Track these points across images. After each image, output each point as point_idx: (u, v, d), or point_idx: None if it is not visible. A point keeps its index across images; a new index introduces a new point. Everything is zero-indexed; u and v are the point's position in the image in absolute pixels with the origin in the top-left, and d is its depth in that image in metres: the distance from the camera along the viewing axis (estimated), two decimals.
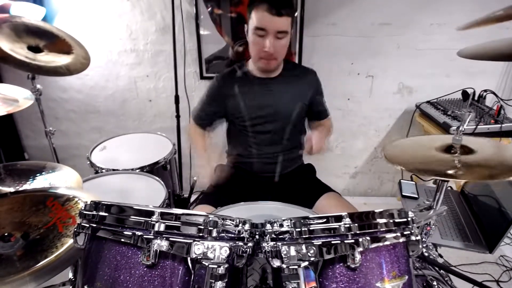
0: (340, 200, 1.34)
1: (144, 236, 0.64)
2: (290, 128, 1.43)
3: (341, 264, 0.66)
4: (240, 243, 0.70)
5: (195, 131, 1.49)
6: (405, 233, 0.69)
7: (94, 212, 0.69)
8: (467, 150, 1.04)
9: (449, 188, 1.78)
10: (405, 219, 0.70)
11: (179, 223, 0.66)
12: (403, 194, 1.65)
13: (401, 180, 1.73)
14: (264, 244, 0.71)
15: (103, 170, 1.54)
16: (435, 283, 1.11)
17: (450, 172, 0.94)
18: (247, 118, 1.38)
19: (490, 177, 0.95)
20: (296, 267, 0.65)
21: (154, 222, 0.65)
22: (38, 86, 1.59)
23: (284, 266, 0.66)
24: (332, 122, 1.59)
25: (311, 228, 0.67)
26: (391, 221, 0.69)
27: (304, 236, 0.67)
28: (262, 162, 1.44)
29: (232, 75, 1.41)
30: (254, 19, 1.21)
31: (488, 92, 1.94)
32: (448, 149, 1.06)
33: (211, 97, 1.43)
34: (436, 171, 0.97)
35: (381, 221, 0.68)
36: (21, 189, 1.17)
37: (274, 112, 1.37)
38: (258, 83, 1.37)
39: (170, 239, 0.64)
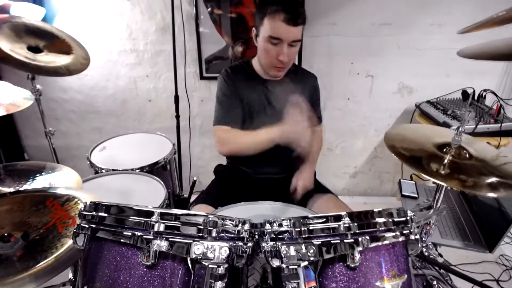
0: (337, 202, 1.34)
1: (144, 237, 0.64)
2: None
3: (341, 263, 0.66)
4: (240, 243, 0.70)
5: (234, 134, 1.30)
6: (404, 232, 0.69)
7: (94, 213, 0.69)
8: (463, 154, 1.03)
9: (449, 187, 1.78)
10: (404, 218, 0.70)
11: (179, 223, 0.66)
12: (403, 193, 1.65)
13: (401, 180, 1.73)
14: (264, 244, 0.71)
15: (103, 170, 1.54)
16: (435, 282, 1.11)
17: (432, 168, 0.95)
18: (249, 118, 1.38)
19: (466, 186, 0.92)
20: (295, 266, 0.65)
21: (153, 223, 0.65)
22: (38, 86, 1.59)
23: (283, 265, 0.66)
24: (323, 132, 1.58)
25: (310, 228, 0.67)
26: (390, 220, 0.69)
27: (303, 236, 0.67)
28: (262, 163, 1.44)
29: (238, 72, 1.37)
30: (268, 27, 1.16)
31: (488, 91, 1.93)
32: (444, 147, 1.06)
33: (230, 92, 1.34)
34: (419, 164, 0.98)
35: (380, 220, 0.68)
36: (21, 189, 1.17)
37: (276, 115, 1.36)
38: (263, 84, 1.36)
39: (170, 239, 0.64)
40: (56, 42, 1.54)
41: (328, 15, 2.00)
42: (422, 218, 1.13)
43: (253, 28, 1.26)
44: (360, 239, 0.65)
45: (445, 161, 1.00)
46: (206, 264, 0.64)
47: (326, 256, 0.65)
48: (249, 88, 1.35)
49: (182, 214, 0.67)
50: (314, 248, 0.65)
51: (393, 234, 0.68)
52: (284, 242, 0.68)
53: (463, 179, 0.93)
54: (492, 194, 0.88)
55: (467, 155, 1.03)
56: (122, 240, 0.65)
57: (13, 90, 1.35)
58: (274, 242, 0.69)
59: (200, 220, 0.66)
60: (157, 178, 1.47)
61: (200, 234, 0.65)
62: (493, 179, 0.93)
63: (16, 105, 1.24)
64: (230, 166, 1.54)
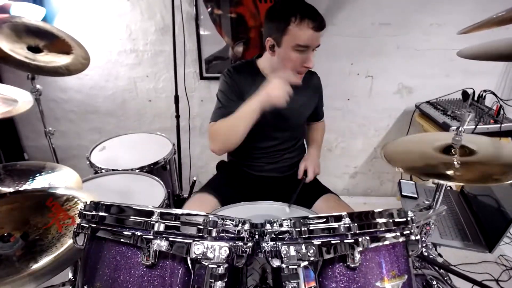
0: (338, 201, 1.34)
1: (144, 236, 0.64)
2: (294, 131, 1.42)
3: (341, 263, 0.66)
4: (240, 243, 0.70)
5: (220, 123, 1.25)
6: (404, 232, 0.69)
7: (94, 212, 0.69)
8: (467, 151, 1.03)
9: (448, 188, 1.78)
10: (404, 219, 0.70)
11: (179, 223, 0.66)
12: (403, 194, 1.65)
13: (401, 180, 1.73)
14: (264, 244, 0.71)
15: (103, 170, 1.54)
16: (434, 282, 1.12)
17: (449, 174, 0.94)
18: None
19: (491, 180, 0.93)
20: (295, 266, 0.65)
21: (153, 222, 0.65)
22: (38, 86, 1.59)
23: (283, 265, 0.66)
24: (325, 124, 1.63)
25: (310, 228, 0.67)
26: (391, 220, 0.69)
27: (303, 236, 0.67)
28: (265, 163, 1.44)
29: (241, 71, 1.34)
30: (296, 36, 1.14)
31: (487, 92, 1.94)
32: (448, 149, 1.05)
33: (229, 91, 1.30)
34: (435, 173, 0.96)
35: (381, 220, 0.68)
36: (20, 189, 1.17)
37: (282, 118, 1.34)
38: None
39: (170, 239, 0.64)
40: (56, 42, 1.54)
41: (328, 15, 2.00)
42: (422, 218, 1.13)
43: (268, 39, 1.21)
44: (360, 239, 0.65)
45: (455, 162, 0.99)
46: (206, 264, 0.64)
47: (326, 256, 0.65)
48: (253, 88, 1.28)
49: (182, 214, 0.67)
50: (314, 248, 0.65)
51: (394, 234, 0.68)
52: (284, 242, 0.68)
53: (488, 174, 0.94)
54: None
55: (468, 152, 1.03)
56: (122, 240, 0.65)
57: (13, 92, 1.35)
58: (274, 242, 0.69)
59: (200, 220, 0.66)
60: (157, 178, 1.47)
61: (200, 234, 0.65)
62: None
63: (15, 105, 1.24)
64: (231, 163, 1.54)
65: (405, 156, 1.11)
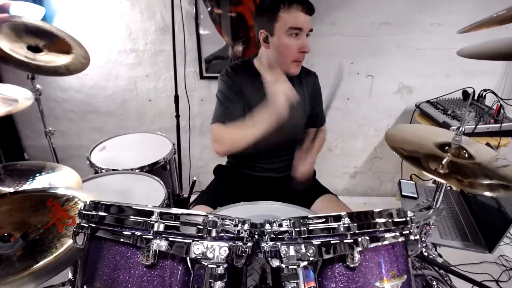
0: (337, 202, 1.34)
1: (144, 236, 0.64)
2: (293, 132, 1.42)
3: (340, 263, 0.66)
4: (240, 243, 0.70)
5: (231, 131, 1.23)
6: (404, 232, 0.69)
7: (94, 212, 0.69)
8: (465, 155, 1.04)
9: (448, 187, 1.78)
10: (404, 219, 0.70)
11: (179, 223, 0.66)
12: (403, 194, 1.65)
13: (401, 180, 1.73)
14: (263, 244, 0.71)
15: (103, 170, 1.54)
16: (434, 282, 1.12)
17: (432, 167, 0.96)
18: (249, 116, 1.34)
19: (467, 185, 0.94)
20: (295, 267, 0.65)
21: (153, 222, 0.65)
22: (38, 86, 1.59)
23: (283, 266, 0.66)
24: (326, 132, 1.51)
25: (310, 228, 0.67)
26: (390, 220, 0.69)
27: (303, 236, 0.67)
28: (263, 164, 1.44)
29: (238, 70, 1.34)
30: (287, 20, 1.17)
31: (488, 91, 1.94)
32: (444, 146, 1.06)
33: (229, 91, 1.30)
34: (421, 163, 0.98)
35: (380, 220, 0.68)
36: (21, 189, 1.17)
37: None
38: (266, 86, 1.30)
39: (170, 239, 0.64)
40: (56, 42, 1.54)
41: (328, 15, 2.01)
42: (422, 218, 1.13)
43: (261, 31, 1.23)
44: (359, 239, 0.65)
45: (445, 160, 1.00)
46: (206, 264, 0.64)
47: (326, 256, 0.65)
48: (251, 87, 1.32)
49: (182, 214, 0.67)
50: (313, 248, 0.65)
51: (393, 234, 0.68)
52: (283, 242, 0.68)
53: (460, 179, 0.94)
54: (488, 193, 0.90)
55: (467, 155, 1.03)
56: (121, 240, 0.65)
57: (13, 90, 1.35)
58: (273, 242, 0.69)
59: (200, 220, 0.66)
60: (157, 178, 1.47)
61: (200, 234, 0.65)
62: (489, 181, 0.93)
63: (15, 105, 1.24)
64: (229, 166, 1.54)
65: (404, 140, 1.13)
